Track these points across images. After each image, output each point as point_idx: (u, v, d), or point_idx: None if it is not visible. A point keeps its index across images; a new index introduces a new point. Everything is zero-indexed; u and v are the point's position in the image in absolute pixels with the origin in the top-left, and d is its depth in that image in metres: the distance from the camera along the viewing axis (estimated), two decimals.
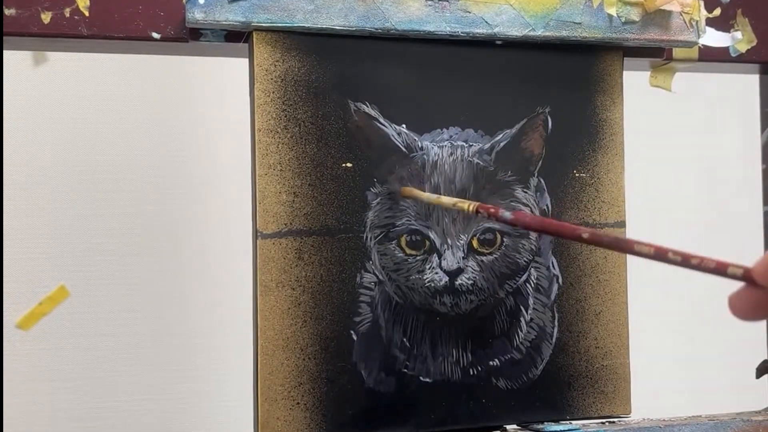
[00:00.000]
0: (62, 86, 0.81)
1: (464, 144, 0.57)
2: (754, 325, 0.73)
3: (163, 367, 0.83)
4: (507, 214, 0.50)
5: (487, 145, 0.58)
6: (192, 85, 0.84)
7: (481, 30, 0.56)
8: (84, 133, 0.81)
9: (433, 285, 0.56)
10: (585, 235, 0.46)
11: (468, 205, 0.52)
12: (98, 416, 0.81)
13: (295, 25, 0.54)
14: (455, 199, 0.54)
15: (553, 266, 0.59)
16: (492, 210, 0.51)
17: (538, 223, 0.51)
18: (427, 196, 0.55)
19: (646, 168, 0.93)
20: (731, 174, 1.02)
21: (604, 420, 0.60)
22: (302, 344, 0.54)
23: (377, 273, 0.56)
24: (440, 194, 0.56)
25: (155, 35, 0.54)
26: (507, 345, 0.58)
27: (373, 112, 0.56)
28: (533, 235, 0.58)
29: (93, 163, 0.81)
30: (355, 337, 0.55)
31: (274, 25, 0.53)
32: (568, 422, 0.59)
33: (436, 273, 0.56)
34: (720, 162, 1.03)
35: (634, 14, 0.59)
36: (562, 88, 0.59)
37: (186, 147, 0.84)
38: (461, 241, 0.56)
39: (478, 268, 0.57)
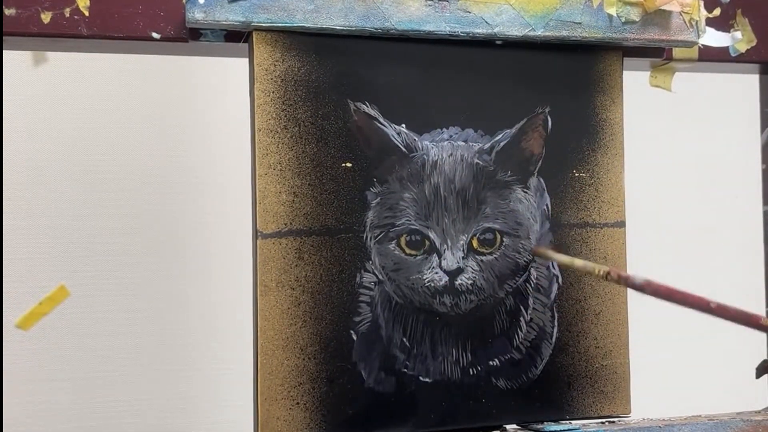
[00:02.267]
0: (62, 86, 0.81)
1: (464, 144, 0.57)
2: None
3: (163, 367, 0.83)
4: (638, 282, 0.51)
5: (487, 145, 0.58)
6: (192, 85, 0.84)
7: (481, 30, 0.56)
8: (84, 133, 0.81)
9: (433, 285, 0.56)
10: (713, 305, 0.48)
11: (598, 270, 0.54)
12: (98, 416, 0.81)
13: (295, 24, 0.54)
14: (590, 265, 0.55)
15: (553, 266, 0.59)
16: (623, 276, 0.52)
17: (668, 293, 0.51)
18: (559, 257, 0.57)
19: (646, 168, 0.93)
20: (731, 174, 1.02)
21: (604, 420, 0.60)
22: (302, 344, 0.54)
23: (377, 273, 0.56)
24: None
25: (155, 35, 0.54)
26: (507, 345, 0.58)
27: (372, 112, 0.56)
28: (533, 236, 0.58)
29: (93, 163, 0.81)
30: (354, 337, 0.55)
31: (274, 24, 0.53)
32: (568, 422, 0.59)
33: (436, 273, 0.56)
34: (720, 162, 1.03)
35: (634, 14, 0.59)
36: (562, 88, 0.59)
37: (186, 147, 0.84)
38: (461, 241, 0.56)
39: (477, 268, 0.57)
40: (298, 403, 0.54)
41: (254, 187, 0.54)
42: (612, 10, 0.58)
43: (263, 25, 0.53)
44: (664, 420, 0.60)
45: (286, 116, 0.54)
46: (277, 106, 0.54)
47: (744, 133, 0.88)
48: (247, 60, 0.55)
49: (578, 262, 0.56)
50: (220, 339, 0.84)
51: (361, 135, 0.55)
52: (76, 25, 0.53)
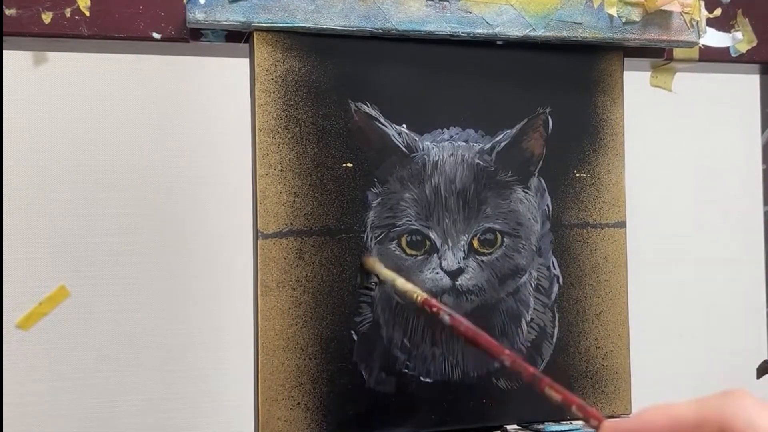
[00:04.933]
0: (62, 86, 0.81)
1: (465, 144, 0.57)
2: (754, 325, 0.73)
3: (164, 367, 0.83)
4: (445, 318, 0.51)
5: (488, 145, 0.58)
6: (192, 85, 0.84)
7: (481, 30, 0.56)
8: (84, 133, 0.81)
9: (433, 285, 0.56)
10: (506, 362, 0.48)
11: (416, 296, 0.53)
12: (98, 416, 0.81)
13: (296, 25, 0.54)
14: (409, 287, 0.54)
15: (554, 266, 0.59)
16: (435, 309, 0.52)
17: (471, 334, 0.50)
18: (385, 273, 0.55)
19: (646, 168, 0.93)
20: (731, 174, 1.02)
21: None
22: (303, 344, 0.54)
23: None
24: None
25: (156, 35, 0.54)
26: (507, 345, 0.58)
27: (373, 112, 0.56)
28: (533, 237, 0.58)
29: (93, 163, 0.81)
30: (355, 337, 0.55)
31: (275, 25, 0.53)
32: (568, 422, 0.59)
33: (437, 273, 0.56)
34: (720, 162, 1.03)
35: (635, 14, 0.59)
36: (563, 88, 0.59)
37: (186, 147, 0.84)
38: (462, 242, 0.56)
39: (478, 268, 0.57)
40: (298, 404, 0.54)
41: (255, 188, 0.54)
42: (613, 11, 0.58)
43: (264, 25, 0.53)
44: None
45: (286, 116, 0.54)
46: (277, 106, 0.54)
47: (744, 133, 0.88)
48: (247, 60, 0.55)
49: (399, 282, 0.54)
50: (220, 339, 0.84)
51: (362, 135, 0.55)
52: (77, 26, 0.53)
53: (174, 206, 0.83)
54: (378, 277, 0.55)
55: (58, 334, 0.80)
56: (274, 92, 0.54)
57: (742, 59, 0.65)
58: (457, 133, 0.57)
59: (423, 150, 0.56)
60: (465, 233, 0.57)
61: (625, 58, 0.61)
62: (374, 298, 0.56)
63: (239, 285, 0.66)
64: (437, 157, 0.57)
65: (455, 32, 0.56)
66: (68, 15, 0.53)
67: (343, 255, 0.55)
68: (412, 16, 0.55)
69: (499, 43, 0.58)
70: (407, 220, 0.56)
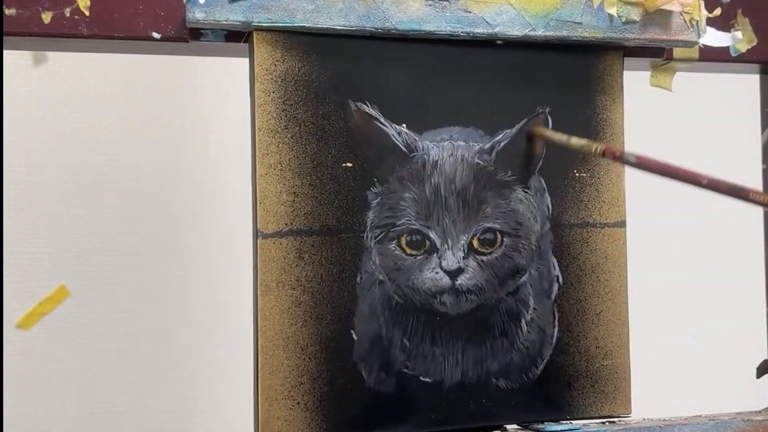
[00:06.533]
0: (62, 86, 0.81)
1: (464, 144, 0.57)
2: (754, 325, 0.73)
3: (163, 367, 0.83)
4: (632, 159, 0.54)
5: (488, 145, 0.58)
6: (192, 85, 0.84)
7: (481, 30, 0.56)
8: (84, 133, 0.81)
9: (433, 285, 0.56)
10: (704, 182, 0.52)
11: (595, 148, 0.55)
12: (98, 416, 0.81)
13: (296, 24, 0.54)
14: (584, 142, 0.56)
15: (554, 266, 0.59)
16: (618, 153, 0.54)
17: (661, 167, 0.53)
18: (557, 136, 0.57)
19: None
20: (731, 174, 1.02)
21: (604, 420, 0.60)
22: (302, 344, 0.54)
23: (378, 273, 0.56)
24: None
25: (155, 35, 0.54)
26: (507, 345, 0.58)
27: (373, 112, 0.56)
28: (533, 237, 0.58)
29: (93, 163, 0.81)
30: (355, 337, 0.55)
31: (275, 24, 0.53)
32: (568, 422, 0.59)
33: (437, 273, 0.56)
34: (720, 162, 1.03)
35: (635, 14, 0.59)
36: (563, 88, 0.59)
37: (186, 147, 0.84)
38: (461, 241, 0.56)
39: (478, 268, 0.57)
40: (298, 403, 0.54)
41: (255, 187, 0.54)
42: (612, 10, 0.58)
43: (264, 24, 0.53)
44: (664, 420, 0.60)
45: (286, 116, 0.54)
46: (277, 106, 0.54)
47: (744, 133, 0.88)
48: (247, 60, 0.55)
49: (574, 141, 0.57)
50: (220, 339, 0.84)
51: (362, 135, 0.55)
52: (77, 25, 0.53)
53: (174, 206, 0.83)
54: (551, 141, 0.57)
55: (58, 334, 0.80)
56: (273, 92, 0.54)
57: (742, 59, 0.65)
58: (457, 133, 0.57)
59: (423, 150, 0.56)
60: (465, 233, 0.57)
61: (625, 58, 0.61)
62: (374, 298, 0.55)
63: (239, 285, 0.66)
64: (437, 157, 0.57)
65: (455, 32, 0.56)
66: (68, 15, 0.53)
67: (343, 255, 0.55)
68: (412, 16, 0.55)
69: (498, 42, 0.58)
70: (407, 220, 0.56)
